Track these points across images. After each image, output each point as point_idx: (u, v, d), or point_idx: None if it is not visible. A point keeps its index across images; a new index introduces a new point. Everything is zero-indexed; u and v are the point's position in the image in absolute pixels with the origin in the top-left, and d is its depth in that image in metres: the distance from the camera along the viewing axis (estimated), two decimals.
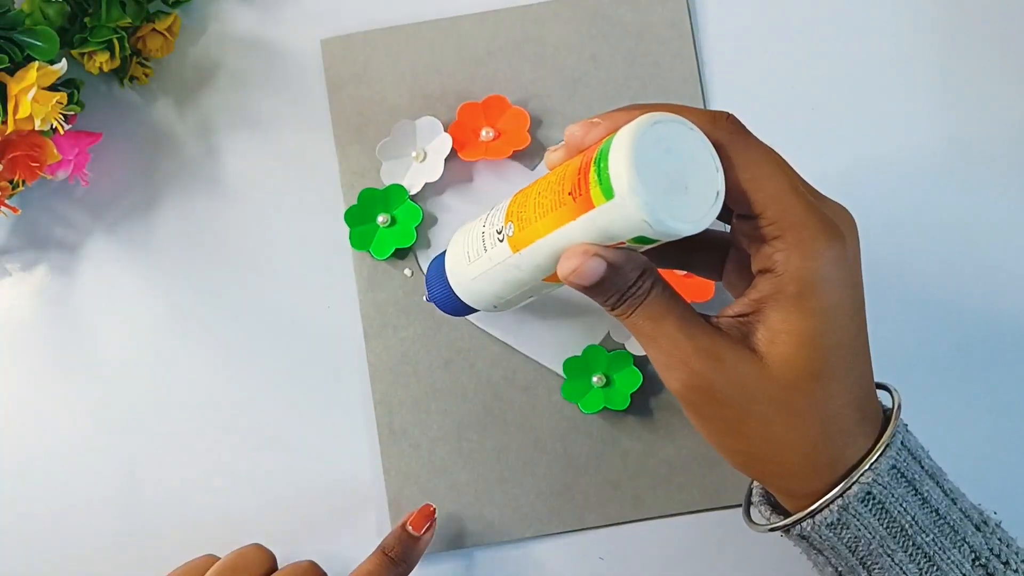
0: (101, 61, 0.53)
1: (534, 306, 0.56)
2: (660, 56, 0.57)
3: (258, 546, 0.50)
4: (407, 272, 0.56)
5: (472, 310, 0.48)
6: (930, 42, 0.58)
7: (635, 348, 0.54)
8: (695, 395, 0.40)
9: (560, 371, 0.54)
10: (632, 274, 0.39)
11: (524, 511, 0.54)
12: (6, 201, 0.51)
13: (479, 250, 0.44)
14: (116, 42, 0.52)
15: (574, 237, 0.38)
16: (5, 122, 0.48)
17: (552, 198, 0.39)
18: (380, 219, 0.55)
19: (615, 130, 0.38)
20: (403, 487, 0.55)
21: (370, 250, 0.55)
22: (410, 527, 0.52)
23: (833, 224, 0.39)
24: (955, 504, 0.42)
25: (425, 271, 0.50)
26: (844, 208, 0.41)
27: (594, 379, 0.54)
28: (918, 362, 0.56)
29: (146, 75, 0.56)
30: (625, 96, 0.57)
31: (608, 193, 0.36)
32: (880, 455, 0.40)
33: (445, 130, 0.55)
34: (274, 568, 0.49)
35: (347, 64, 0.57)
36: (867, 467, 0.40)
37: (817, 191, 0.41)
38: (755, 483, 0.47)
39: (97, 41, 0.52)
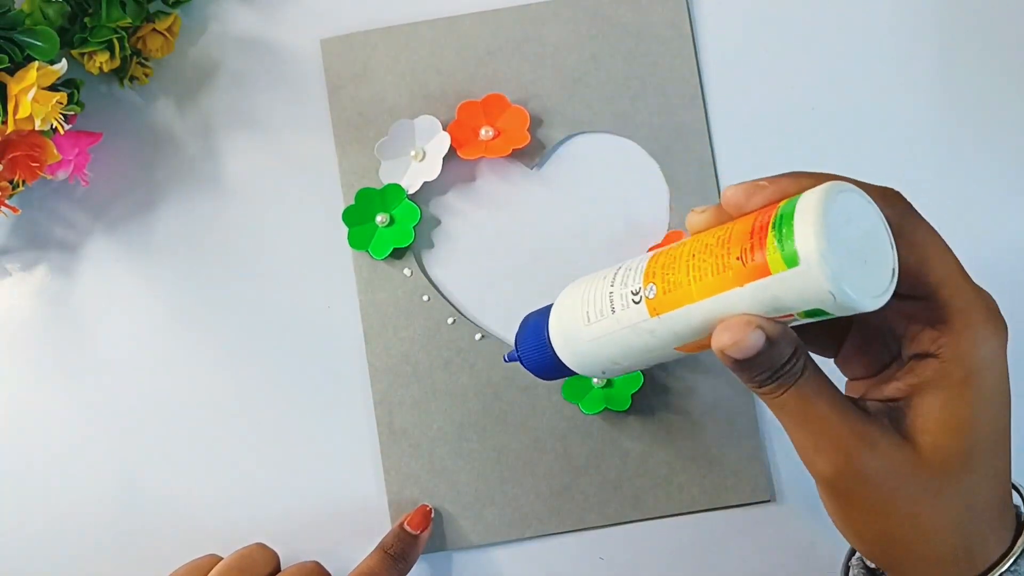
0: (101, 61, 0.53)
1: (535, 305, 0.56)
2: (660, 56, 0.57)
3: (261, 545, 0.50)
4: (407, 272, 0.56)
5: (566, 374, 0.45)
6: (930, 42, 0.58)
7: None
8: (845, 480, 0.38)
9: None
10: (787, 351, 0.36)
11: (524, 511, 0.54)
12: (6, 201, 0.51)
13: (604, 311, 0.41)
14: (116, 42, 0.52)
15: (738, 305, 0.36)
16: (5, 122, 0.48)
17: (713, 261, 0.36)
18: (378, 219, 0.55)
19: (782, 196, 0.36)
20: (403, 487, 0.55)
21: (368, 250, 0.55)
22: (408, 526, 0.52)
23: (997, 311, 0.38)
24: None
25: (518, 329, 0.47)
26: (988, 293, 0.39)
27: (595, 380, 0.54)
28: None
29: (146, 75, 0.56)
30: (624, 96, 0.57)
31: (791, 260, 0.34)
32: (1022, 553, 0.39)
33: (444, 129, 0.55)
34: (278, 568, 0.50)
35: (347, 64, 0.57)
36: (1009, 564, 0.38)
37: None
38: (853, 563, 0.45)
39: (97, 41, 0.52)
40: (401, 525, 0.53)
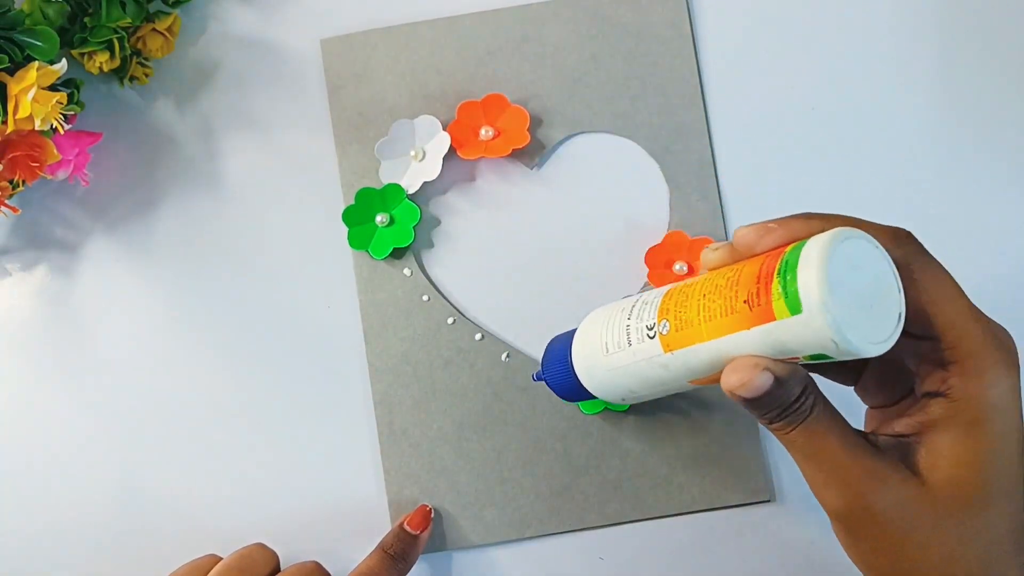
0: (101, 61, 0.53)
1: (535, 305, 0.56)
2: (659, 56, 0.57)
3: (261, 545, 0.50)
4: (407, 272, 0.56)
5: (589, 397, 0.47)
6: (930, 42, 0.58)
7: None
8: (855, 515, 0.39)
9: None
10: (796, 389, 0.37)
11: (524, 511, 0.54)
12: (6, 201, 0.51)
13: (621, 343, 0.43)
14: (116, 42, 0.52)
15: (744, 347, 0.37)
16: (5, 122, 0.48)
17: (722, 303, 0.37)
18: (378, 219, 0.55)
19: (792, 239, 0.37)
20: (403, 487, 0.55)
21: (368, 250, 0.55)
22: (408, 526, 0.52)
23: (1010, 349, 0.38)
24: None
25: (544, 350, 0.49)
26: (1005, 329, 0.39)
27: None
28: None
29: (146, 75, 0.56)
30: (624, 96, 0.57)
31: (794, 308, 0.35)
32: None
33: (444, 129, 0.55)
34: (277, 568, 0.50)
35: (347, 64, 0.57)
36: None
37: (981, 311, 0.39)
38: None
39: (97, 41, 0.52)
40: (401, 525, 0.53)
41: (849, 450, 0.38)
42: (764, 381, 0.36)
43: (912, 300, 0.37)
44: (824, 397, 0.39)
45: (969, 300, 0.39)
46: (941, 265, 0.39)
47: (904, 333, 0.37)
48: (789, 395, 0.37)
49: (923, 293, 0.38)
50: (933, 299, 0.38)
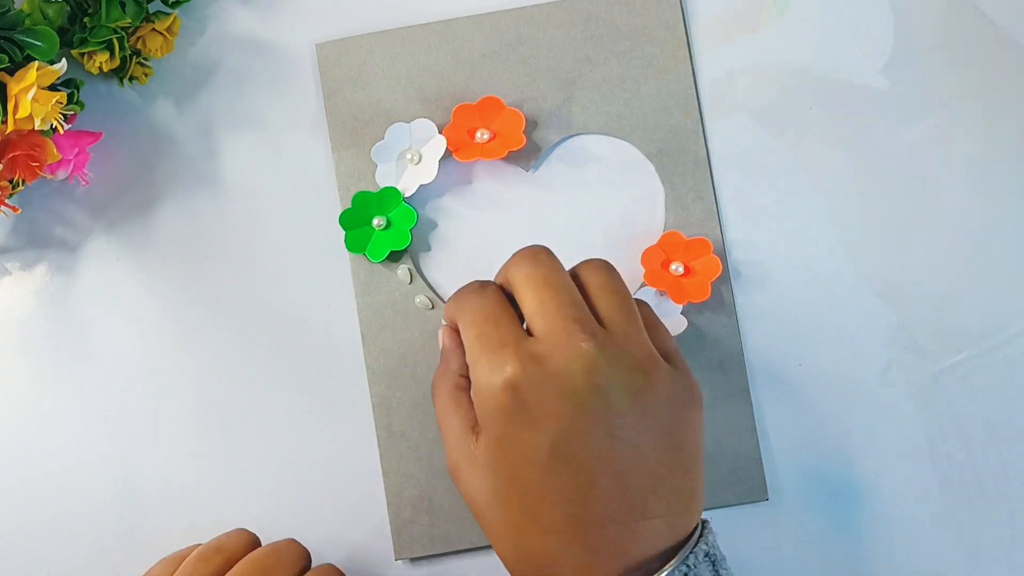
0: (101, 61, 0.53)
1: None
2: (654, 57, 0.57)
3: (293, 541, 0.48)
4: (403, 275, 0.56)
5: None
6: (930, 36, 0.58)
7: None
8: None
9: None
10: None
11: None
12: (6, 201, 0.52)
13: None
14: (116, 42, 0.53)
15: None
16: (5, 122, 0.48)
17: None
18: (375, 222, 0.55)
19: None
20: (402, 488, 0.55)
21: (365, 253, 0.55)
22: None
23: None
24: None
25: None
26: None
27: None
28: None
29: (146, 75, 0.56)
30: (620, 97, 0.57)
31: None
32: None
33: (440, 132, 0.56)
34: (307, 567, 0.48)
35: (342, 67, 0.57)
36: None
37: None
38: None
39: (97, 41, 0.52)
40: None
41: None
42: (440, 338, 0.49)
43: None
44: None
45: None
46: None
47: None
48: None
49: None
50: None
